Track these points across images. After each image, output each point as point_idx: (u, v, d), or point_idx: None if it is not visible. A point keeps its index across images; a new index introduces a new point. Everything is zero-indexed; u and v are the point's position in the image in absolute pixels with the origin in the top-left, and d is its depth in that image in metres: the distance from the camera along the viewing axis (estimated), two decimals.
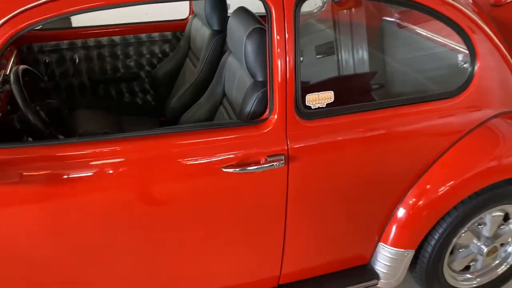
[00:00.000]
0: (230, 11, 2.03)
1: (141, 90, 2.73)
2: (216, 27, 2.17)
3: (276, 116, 1.45)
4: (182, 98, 2.21)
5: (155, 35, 2.61)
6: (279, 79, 1.41)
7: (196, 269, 1.63)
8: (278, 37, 1.38)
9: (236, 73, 1.78)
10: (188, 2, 2.60)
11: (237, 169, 1.43)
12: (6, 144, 1.31)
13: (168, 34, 2.63)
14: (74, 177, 1.33)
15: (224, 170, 1.43)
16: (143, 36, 2.58)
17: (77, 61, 2.50)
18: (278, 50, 1.39)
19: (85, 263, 1.48)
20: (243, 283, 1.74)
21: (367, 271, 1.86)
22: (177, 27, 2.63)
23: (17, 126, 1.58)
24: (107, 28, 2.53)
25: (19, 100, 1.52)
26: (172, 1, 1.50)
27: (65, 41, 2.46)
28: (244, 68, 1.66)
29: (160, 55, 2.67)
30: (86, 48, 2.50)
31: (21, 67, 1.72)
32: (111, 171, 1.37)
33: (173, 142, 1.41)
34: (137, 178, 1.40)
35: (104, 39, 2.52)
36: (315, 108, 1.49)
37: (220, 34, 2.17)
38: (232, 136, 1.45)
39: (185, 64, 2.49)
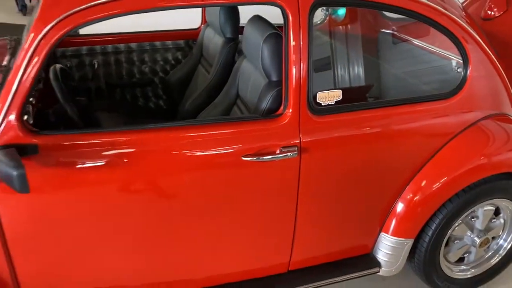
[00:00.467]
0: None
1: (154, 95, 2.89)
2: (229, 35, 2.35)
3: (290, 112, 1.61)
4: (196, 100, 2.37)
5: (169, 43, 2.78)
6: (294, 78, 1.58)
7: (211, 253, 1.77)
8: (294, 40, 1.55)
9: (251, 76, 1.95)
10: (200, 13, 2.79)
11: (255, 158, 1.59)
12: (57, 131, 1.47)
13: (181, 42, 2.80)
14: (114, 162, 1.49)
15: (244, 159, 1.59)
16: (158, 43, 2.75)
17: (96, 66, 2.66)
18: (293, 52, 1.56)
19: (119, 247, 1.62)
20: (255, 268, 1.88)
21: (369, 260, 2.01)
22: (190, 36, 2.81)
23: (52, 120, 1.73)
24: (124, 35, 2.70)
25: (59, 95, 1.67)
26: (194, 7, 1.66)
27: (84, 47, 2.62)
28: (259, 70, 1.83)
29: (173, 62, 2.84)
30: (104, 54, 2.66)
31: (58, 66, 1.88)
32: (144, 159, 1.52)
33: (201, 133, 1.58)
34: (169, 165, 1.55)
35: (122, 46, 2.69)
36: (325, 105, 1.66)
37: (233, 41, 2.35)
38: (251, 129, 1.62)
39: (197, 70, 2.66)
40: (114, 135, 1.50)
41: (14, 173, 1.26)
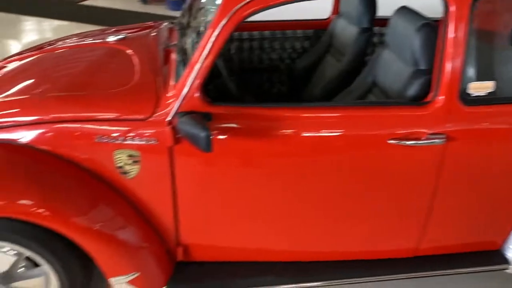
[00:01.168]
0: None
1: (279, 81, 3.06)
2: (365, 25, 2.43)
3: (440, 100, 1.67)
4: (326, 87, 2.49)
5: (299, 32, 2.93)
6: (448, 69, 1.63)
7: (344, 229, 1.89)
8: (453, 32, 1.60)
9: (393, 64, 2.02)
10: (330, 4, 2.89)
11: (402, 142, 1.67)
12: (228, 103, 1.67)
13: (310, 31, 2.94)
14: (274, 135, 1.66)
15: (390, 142, 1.68)
16: (289, 32, 2.91)
17: (231, 51, 2.88)
18: (451, 44, 1.61)
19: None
20: (382, 249, 1.97)
21: (498, 256, 2.00)
22: (319, 26, 2.93)
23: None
24: (260, 23, 2.89)
25: (223, 71, 1.88)
26: None
27: None
28: (404, 58, 1.89)
29: (300, 50, 2.98)
30: (240, 41, 2.88)
31: None
32: (298, 135, 1.68)
33: (358, 114, 1.70)
34: (321, 143, 1.70)
35: (256, 33, 2.89)
36: (475, 96, 1.69)
37: (369, 31, 2.43)
38: (399, 114, 1.70)
39: (325, 58, 2.77)
40: (276, 110, 1.67)
41: (202, 134, 1.47)
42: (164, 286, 1.83)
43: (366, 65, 2.45)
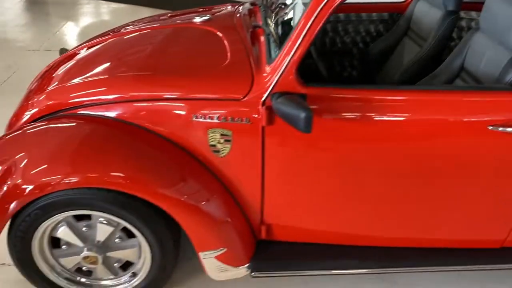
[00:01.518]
0: None
1: (350, 65, 3.02)
2: (451, 8, 2.35)
3: None
4: (407, 72, 2.43)
5: (374, 15, 2.87)
6: None
7: (435, 218, 1.86)
8: None
9: (486, 49, 1.94)
10: None
11: (504, 129, 1.62)
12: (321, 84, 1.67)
13: (385, 15, 2.87)
14: (366, 118, 1.65)
15: (490, 128, 1.62)
16: (364, 15, 2.86)
17: None
18: None
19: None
20: (471, 239, 1.93)
21: None
22: (395, 9, 2.85)
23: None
24: None
25: (314, 53, 1.88)
26: None
27: None
28: (501, 43, 1.81)
29: (374, 34, 2.92)
30: None
31: None
32: (392, 120, 1.65)
33: (456, 99, 1.65)
34: (417, 128, 1.66)
35: (330, 16, 2.84)
36: None
37: (455, 14, 2.34)
38: (502, 99, 1.64)
39: (402, 43, 2.70)
40: (372, 92, 1.65)
41: (302, 114, 1.47)
42: (247, 263, 1.87)
43: (446, 50, 2.38)
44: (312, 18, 1.56)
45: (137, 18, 2.79)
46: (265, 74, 1.66)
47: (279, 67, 1.62)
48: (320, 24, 1.57)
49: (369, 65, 2.86)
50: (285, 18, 1.99)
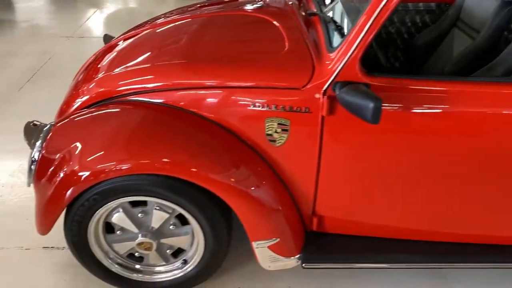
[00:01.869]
0: None
1: (394, 56, 2.95)
2: None
3: None
4: (459, 63, 2.36)
5: (421, 5, 2.79)
6: None
7: (491, 214, 1.82)
8: None
9: None
10: None
11: None
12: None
13: (433, 5, 2.79)
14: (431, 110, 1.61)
15: None
16: (411, 5, 2.78)
17: None
18: None
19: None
20: (500, 235, 1.88)
21: None
22: None
23: None
24: None
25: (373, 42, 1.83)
26: None
27: None
28: None
29: (420, 25, 2.84)
30: None
31: None
32: (457, 113, 1.61)
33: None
34: (478, 121, 1.62)
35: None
36: None
37: (511, 5, 2.26)
38: None
39: (451, 34, 2.63)
40: (437, 83, 1.61)
41: (371, 104, 1.43)
42: (298, 254, 1.86)
43: (501, 41, 2.31)
44: (380, 6, 1.52)
45: (163, 6, 2.76)
46: (327, 62, 1.63)
47: (342, 56, 1.58)
48: (388, 12, 1.52)
49: (414, 56, 2.80)
50: (340, 6, 1.95)
